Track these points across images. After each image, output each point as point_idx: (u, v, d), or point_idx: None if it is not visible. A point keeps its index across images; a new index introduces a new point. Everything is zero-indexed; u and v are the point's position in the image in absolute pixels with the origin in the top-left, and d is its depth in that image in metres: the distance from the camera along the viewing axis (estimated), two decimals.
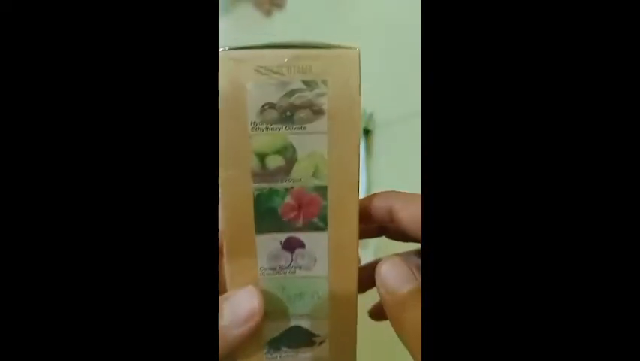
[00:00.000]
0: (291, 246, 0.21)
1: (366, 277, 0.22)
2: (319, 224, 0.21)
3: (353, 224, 0.21)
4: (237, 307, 0.19)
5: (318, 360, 0.22)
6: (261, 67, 0.19)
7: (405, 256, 0.22)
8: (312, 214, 0.20)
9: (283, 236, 0.21)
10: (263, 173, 0.20)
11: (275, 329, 0.22)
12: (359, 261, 0.22)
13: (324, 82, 0.19)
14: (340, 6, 0.45)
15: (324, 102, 0.19)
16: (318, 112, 0.19)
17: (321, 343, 0.22)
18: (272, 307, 0.21)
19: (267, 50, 0.19)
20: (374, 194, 0.23)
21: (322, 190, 0.20)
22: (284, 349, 0.22)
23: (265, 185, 0.20)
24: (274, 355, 0.22)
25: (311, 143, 0.19)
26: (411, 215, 0.21)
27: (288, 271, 0.21)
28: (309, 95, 0.19)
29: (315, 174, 0.20)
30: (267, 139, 0.19)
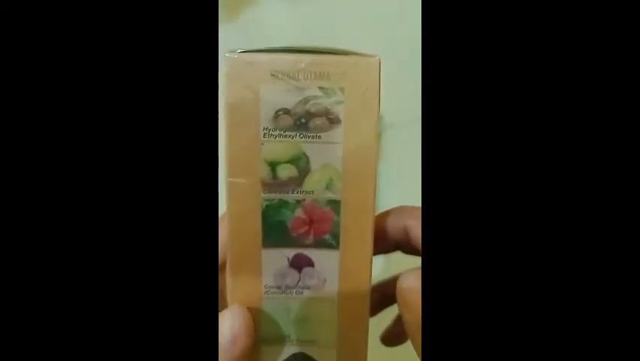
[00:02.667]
0: (299, 264, 0.19)
1: (379, 298, 0.20)
2: (331, 242, 0.19)
3: (367, 243, 0.19)
4: (222, 328, 0.18)
5: None
6: (277, 71, 0.18)
7: None
8: (324, 231, 0.19)
9: (291, 252, 0.19)
10: (273, 183, 0.19)
11: (277, 355, 0.20)
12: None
13: (342, 89, 0.18)
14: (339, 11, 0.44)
15: (340, 111, 0.18)
16: (334, 121, 0.18)
17: None
18: (275, 331, 0.20)
19: (283, 54, 0.18)
20: (388, 212, 0.22)
21: (335, 205, 0.19)
22: None
23: (275, 195, 0.19)
24: None
25: (326, 153, 0.18)
26: None
27: (294, 291, 0.20)
28: (325, 102, 0.18)
29: (328, 187, 0.19)
30: (279, 147, 0.18)
